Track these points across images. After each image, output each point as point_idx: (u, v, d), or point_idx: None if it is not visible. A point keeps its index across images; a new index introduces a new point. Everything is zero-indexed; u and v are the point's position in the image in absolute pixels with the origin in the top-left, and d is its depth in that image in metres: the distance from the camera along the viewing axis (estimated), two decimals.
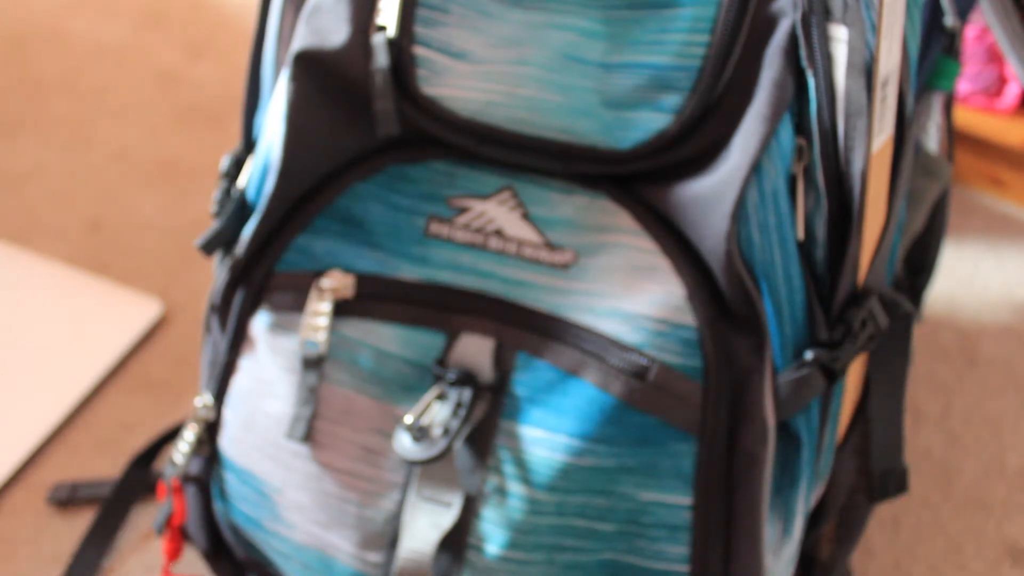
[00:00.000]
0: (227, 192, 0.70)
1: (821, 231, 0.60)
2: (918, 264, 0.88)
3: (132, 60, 1.32)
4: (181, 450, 0.69)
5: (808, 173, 0.59)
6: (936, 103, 0.86)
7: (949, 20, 0.80)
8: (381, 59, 0.61)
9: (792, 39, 0.57)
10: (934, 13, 0.80)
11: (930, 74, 0.83)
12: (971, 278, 1.06)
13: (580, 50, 0.60)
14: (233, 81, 1.18)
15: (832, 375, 0.61)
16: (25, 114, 1.24)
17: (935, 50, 0.82)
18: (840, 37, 0.57)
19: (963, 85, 1.08)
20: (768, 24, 0.58)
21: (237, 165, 0.71)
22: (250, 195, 0.68)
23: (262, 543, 0.69)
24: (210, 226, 0.68)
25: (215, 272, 0.69)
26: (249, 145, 0.72)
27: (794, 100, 0.58)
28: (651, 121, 0.59)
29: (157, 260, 1.07)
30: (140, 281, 1.05)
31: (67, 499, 0.86)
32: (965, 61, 1.06)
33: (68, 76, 1.30)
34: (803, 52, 0.57)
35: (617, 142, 0.60)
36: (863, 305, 0.61)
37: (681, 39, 0.59)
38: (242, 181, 0.69)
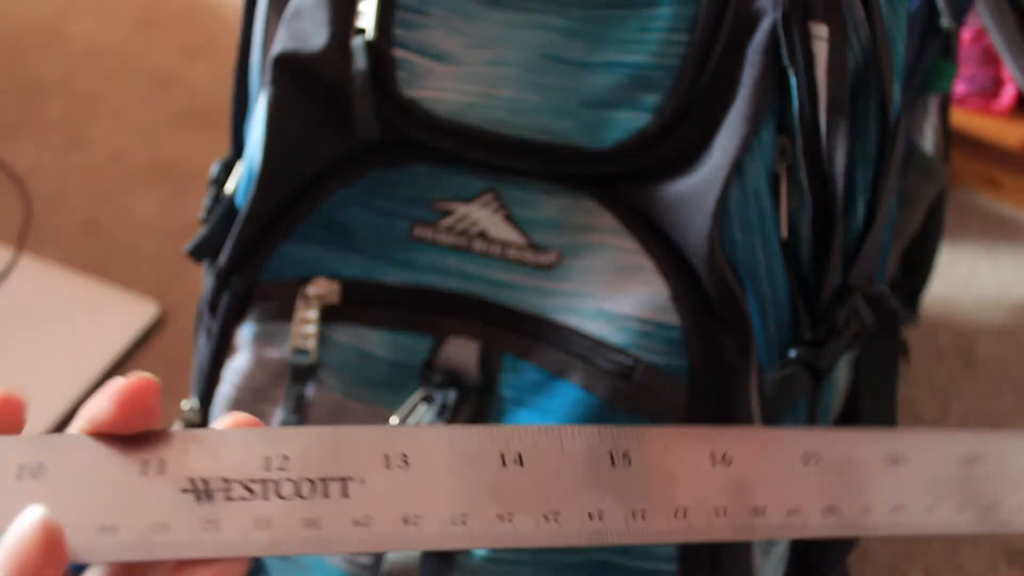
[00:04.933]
0: (216, 198, 0.70)
1: (806, 229, 0.60)
2: (915, 265, 0.88)
3: (129, 62, 1.33)
4: None
5: (792, 172, 0.59)
6: (932, 105, 0.86)
7: (945, 22, 0.80)
8: (360, 62, 0.60)
9: (773, 37, 0.57)
10: (930, 15, 0.80)
11: (926, 76, 0.83)
12: (968, 279, 1.06)
13: (559, 49, 0.60)
14: (229, 83, 1.18)
15: (818, 374, 0.61)
16: (22, 116, 1.25)
17: (931, 52, 0.82)
18: (821, 35, 0.57)
19: (960, 87, 1.08)
20: (749, 22, 0.58)
21: (226, 171, 0.71)
22: (238, 201, 0.68)
23: None
24: (200, 231, 0.68)
25: (203, 279, 0.69)
26: (238, 151, 0.72)
27: (776, 98, 0.58)
28: (631, 120, 0.59)
29: (153, 262, 1.07)
30: (136, 283, 1.05)
31: None
32: (961, 63, 1.06)
33: (65, 78, 1.30)
34: (784, 51, 0.57)
35: (597, 142, 0.60)
36: (847, 302, 0.61)
37: (660, 38, 0.58)
38: (230, 187, 0.69)
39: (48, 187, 1.15)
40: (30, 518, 0.32)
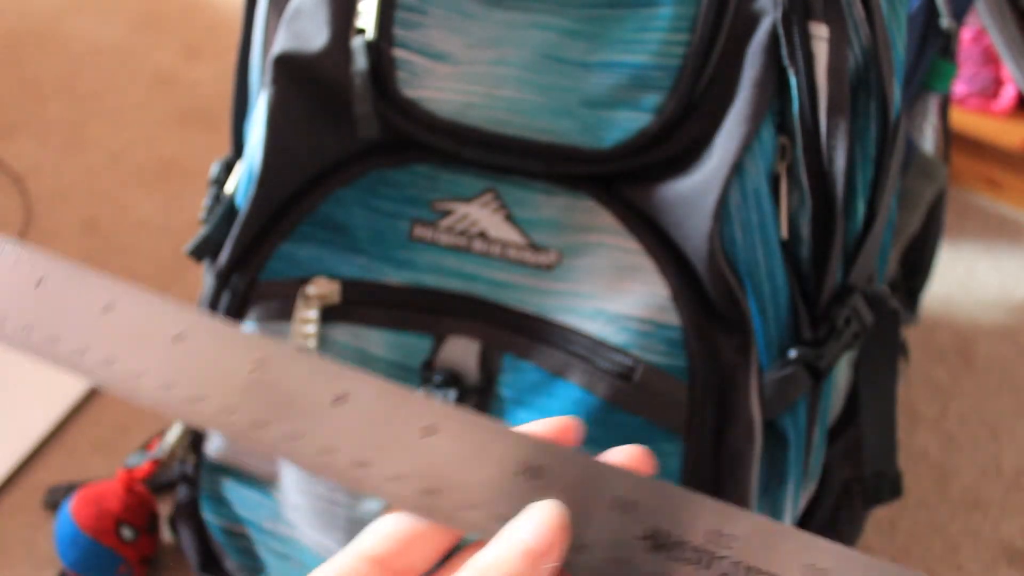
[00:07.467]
0: (216, 198, 0.70)
1: (806, 229, 0.60)
2: (915, 265, 0.88)
3: (129, 61, 1.33)
4: (163, 448, 0.70)
5: (792, 172, 0.59)
6: (932, 105, 0.86)
7: (945, 22, 0.80)
8: (360, 62, 0.60)
9: (773, 37, 0.57)
10: (930, 15, 0.80)
11: (926, 76, 0.83)
12: (968, 279, 1.06)
13: (560, 50, 0.60)
14: (230, 82, 1.18)
15: (818, 373, 0.61)
16: (22, 115, 1.24)
17: (931, 52, 0.82)
18: (821, 35, 0.57)
19: (960, 87, 1.08)
20: (749, 22, 0.58)
21: (226, 171, 0.71)
22: (238, 201, 0.68)
23: (259, 544, 0.69)
24: (200, 231, 0.68)
25: (204, 279, 0.69)
26: (238, 151, 0.72)
27: (776, 99, 0.58)
28: (631, 120, 0.59)
29: (154, 261, 1.07)
30: (137, 282, 1.05)
31: (63, 501, 0.86)
32: (961, 63, 1.06)
33: (65, 77, 1.30)
34: (784, 51, 0.57)
35: (598, 142, 0.60)
36: (847, 302, 0.61)
37: (661, 38, 0.58)
38: (230, 187, 0.69)
39: (48, 187, 1.15)
40: (548, 506, 0.35)
